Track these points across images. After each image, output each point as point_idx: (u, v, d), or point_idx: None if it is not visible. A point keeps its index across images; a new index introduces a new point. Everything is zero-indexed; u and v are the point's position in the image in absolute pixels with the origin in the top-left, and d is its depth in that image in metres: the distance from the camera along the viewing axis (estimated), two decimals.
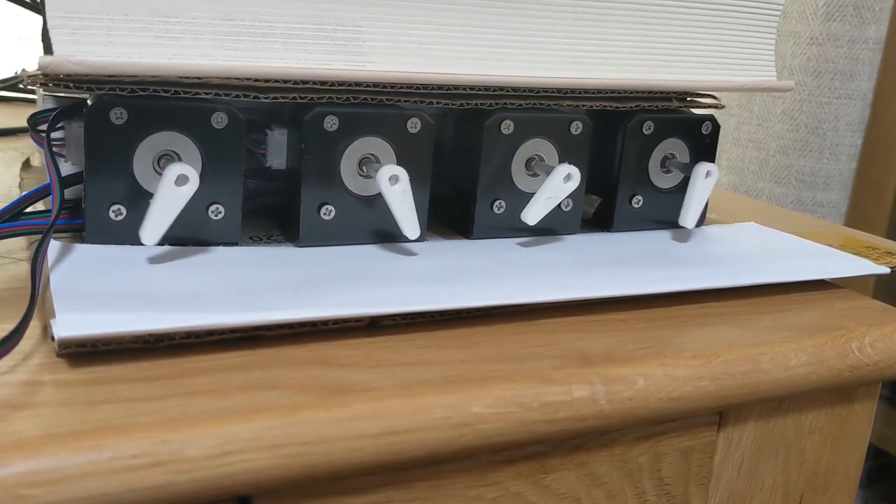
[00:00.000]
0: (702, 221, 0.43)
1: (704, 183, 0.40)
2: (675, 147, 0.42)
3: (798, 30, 0.89)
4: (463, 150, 0.38)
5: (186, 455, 0.22)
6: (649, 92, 0.40)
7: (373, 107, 0.34)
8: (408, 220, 0.34)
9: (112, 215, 0.32)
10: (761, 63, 0.42)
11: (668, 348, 0.30)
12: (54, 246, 0.31)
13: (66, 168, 0.33)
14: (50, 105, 0.35)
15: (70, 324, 0.25)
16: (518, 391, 0.26)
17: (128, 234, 0.32)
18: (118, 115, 0.31)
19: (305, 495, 0.25)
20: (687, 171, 0.41)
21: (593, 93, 0.39)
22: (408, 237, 0.35)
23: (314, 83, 0.33)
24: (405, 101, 0.35)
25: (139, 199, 0.32)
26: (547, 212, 0.37)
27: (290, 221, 0.35)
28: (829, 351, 0.32)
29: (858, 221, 0.94)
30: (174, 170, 0.30)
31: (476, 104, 0.36)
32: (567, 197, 0.38)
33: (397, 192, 0.34)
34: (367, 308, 0.29)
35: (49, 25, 0.29)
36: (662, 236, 0.42)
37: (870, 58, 0.88)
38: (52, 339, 0.25)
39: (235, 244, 0.34)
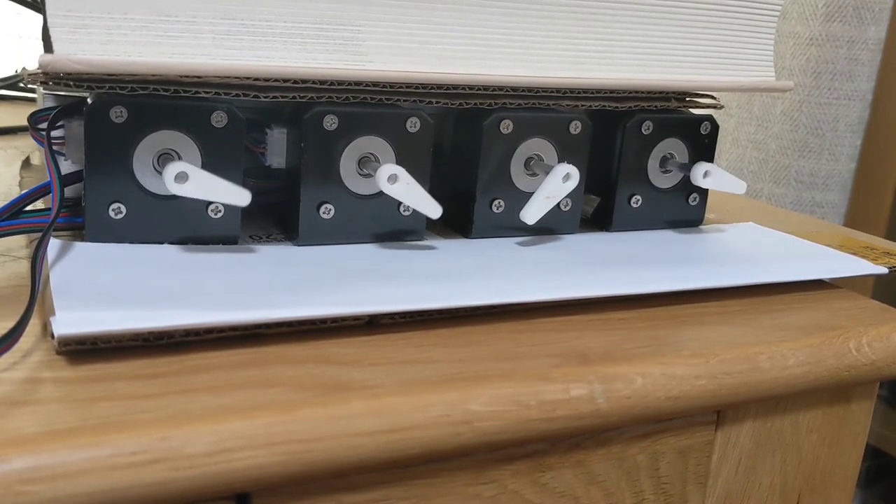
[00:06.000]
0: (700, 221, 0.44)
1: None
2: (673, 147, 0.42)
3: (798, 30, 0.89)
4: (462, 149, 0.38)
5: (185, 452, 0.22)
6: (648, 92, 0.40)
7: (372, 106, 0.34)
8: (424, 206, 0.35)
9: (112, 214, 0.32)
10: (760, 63, 0.42)
11: (666, 347, 0.30)
12: (54, 244, 0.31)
13: (66, 166, 0.33)
14: (50, 103, 0.35)
15: (69, 321, 0.25)
16: (516, 390, 0.26)
17: (127, 233, 0.32)
18: (118, 114, 0.31)
19: (304, 492, 0.25)
20: (686, 170, 0.41)
21: (592, 92, 0.39)
22: (432, 217, 0.35)
23: (314, 82, 0.33)
24: (404, 101, 0.35)
25: (139, 198, 0.32)
26: (546, 211, 0.37)
27: (289, 220, 0.35)
28: (827, 350, 0.32)
29: (857, 222, 0.94)
30: (173, 168, 0.30)
31: (475, 104, 0.36)
32: (566, 196, 0.38)
33: (399, 190, 0.34)
34: (365, 306, 0.29)
35: (49, 24, 0.29)
36: (661, 236, 0.42)
37: (869, 58, 0.88)
38: (52, 336, 0.25)
39: (235, 243, 0.34)
